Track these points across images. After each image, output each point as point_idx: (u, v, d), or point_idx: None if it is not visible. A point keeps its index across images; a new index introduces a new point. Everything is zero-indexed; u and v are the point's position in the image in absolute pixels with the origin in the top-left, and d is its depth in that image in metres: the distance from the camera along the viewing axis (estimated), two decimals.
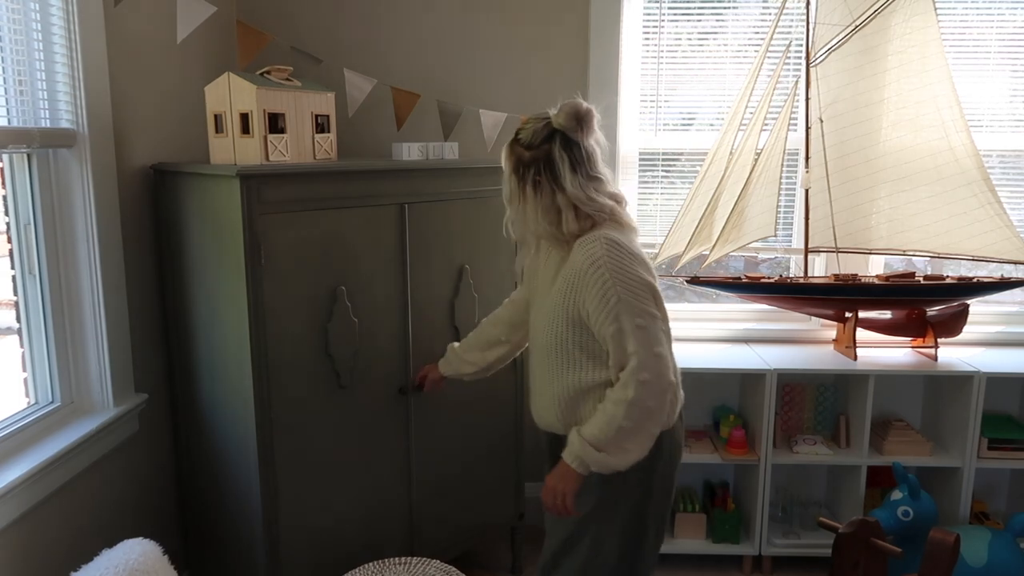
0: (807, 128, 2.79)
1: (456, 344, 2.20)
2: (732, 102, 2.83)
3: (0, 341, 2.06)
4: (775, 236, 2.86)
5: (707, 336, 3.09)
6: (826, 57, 2.76)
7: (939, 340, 2.82)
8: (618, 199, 1.76)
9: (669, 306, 3.21)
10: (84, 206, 2.02)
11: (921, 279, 2.81)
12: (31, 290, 2.00)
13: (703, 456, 2.81)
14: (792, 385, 2.98)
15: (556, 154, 1.69)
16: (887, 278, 2.83)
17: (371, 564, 2.17)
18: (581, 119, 1.70)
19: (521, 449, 2.78)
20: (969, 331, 2.90)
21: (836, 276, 2.84)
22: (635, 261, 1.65)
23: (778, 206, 2.81)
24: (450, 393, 2.38)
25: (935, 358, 2.80)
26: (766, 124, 2.79)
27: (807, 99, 2.78)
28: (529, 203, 1.73)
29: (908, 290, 2.79)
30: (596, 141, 1.75)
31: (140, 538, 1.77)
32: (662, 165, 3.06)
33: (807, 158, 2.81)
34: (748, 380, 2.92)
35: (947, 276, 2.86)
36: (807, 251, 2.86)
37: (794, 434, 2.92)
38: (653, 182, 3.06)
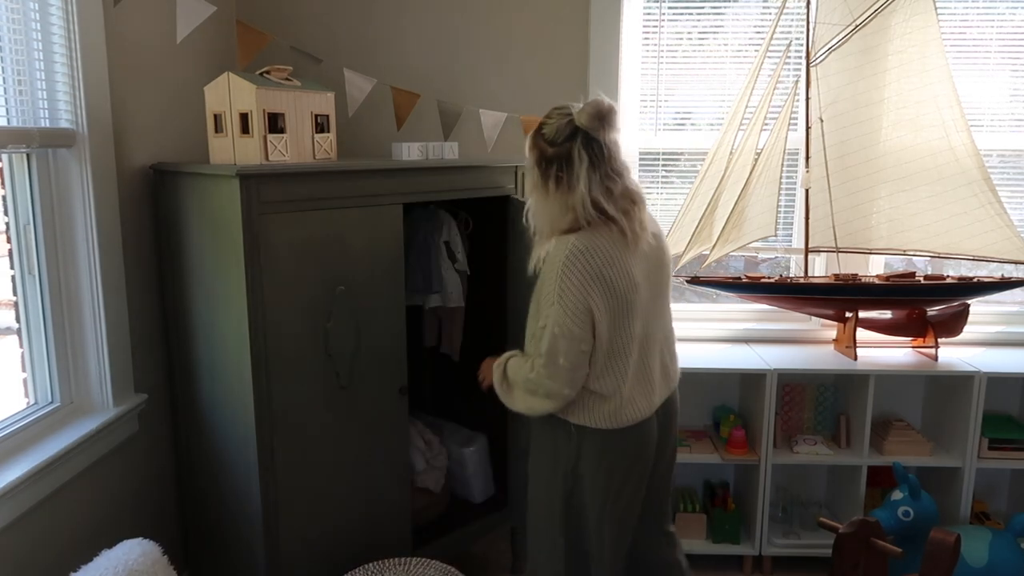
0: (807, 128, 2.79)
1: None
2: (732, 102, 2.83)
3: (0, 341, 2.06)
4: (775, 236, 2.86)
5: (707, 336, 3.09)
6: (826, 57, 2.76)
7: (939, 340, 2.82)
8: (634, 199, 1.81)
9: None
10: (84, 206, 2.02)
11: (921, 279, 2.81)
12: (31, 290, 2.00)
13: (703, 456, 2.81)
14: (792, 385, 2.98)
15: (576, 153, 1.74)
16: (887, 278, 2.83)
17: (371, 564, 2.17)
18: (603, 118, 1.74)
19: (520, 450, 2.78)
20: (969, 331, 2.89)
21: (836, 276, 2.83)
22: (587, 279, 1.70)
23: (778, 206, 2.80)
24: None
25: (935, 358, 2.79)
26: (766, 124, 2.78)
27: (807, 99, 2.78)
28: (550, 197, 1.78)
29: (908, 290, 2.79)
30: (617, 136, 1.80)
31: (140, 538, 1.77)
32: (662, 165, 3.06)
33: (807, 158, 2.81)
34: (748, 380, 2.92)
35: (947, 276, 2.86)
36: (807, 251, 2.86)
37: (794, 434, 2.92)
38: (653, 182, 3.06)
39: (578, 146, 1.74)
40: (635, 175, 3.03)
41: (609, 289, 1.72)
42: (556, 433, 1.86)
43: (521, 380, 1.81)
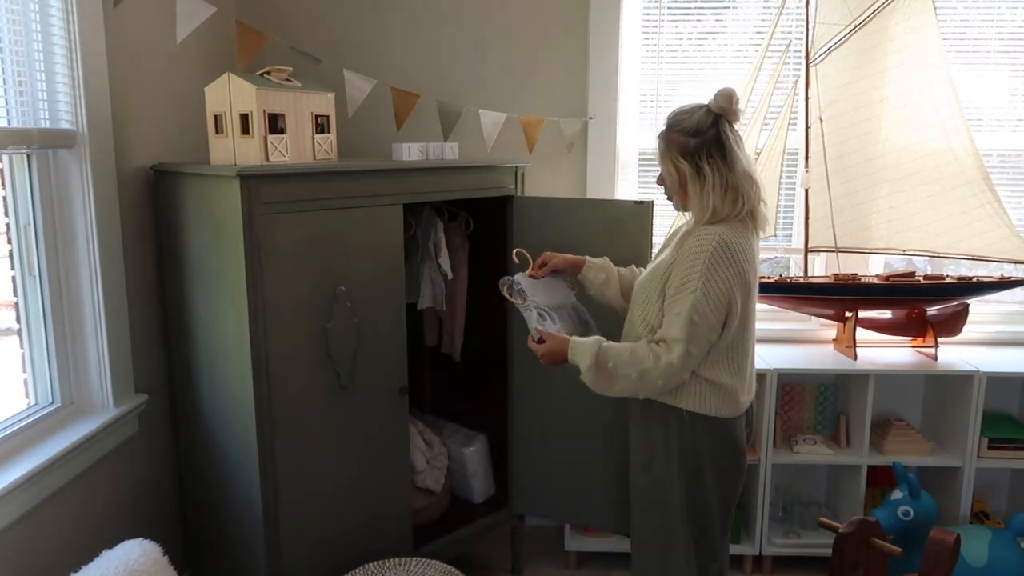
0: (807, 128, 2.79)
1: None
2: None
3: (0, 342, 2.06)
4: (775, 236, 2.86)
5: None
6: (826, 56, 2.76)
7: (939, 340, 2.82)
8: (759, 185, 1.85)
9: None
10: (84, 206, 2.02)
11: (921, 279, 2.81)
12: (31, 291, 2.00)
13: None
14: (792, 385, 2.98)
15: (726, 134, 1.81)
16: (887, 278, 2.83)
17: (371, 564, 2.17)
18: (736, 101, 1.81)
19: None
20: (969, 330, 2.89)
21: (836, 276, 2.83)
22: (733, 275, 1.74)
23: (778, 206, 2.81)
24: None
25: (935, 358, 2.80)
26: (766, 124, 2.79)
27: (807, 99, 2.78)
28: (708, 182, 1.80)
29: (908, 290, 2.79)
30: None
31: (140, 538, 1.77)
32: None
33: (807, 158, 2.81)
34: None
35: (947, 276, 2.86)
36: (807, 251, 2.86)
37: (794, 434, 2.92)
38: (653, 182, 3.05)
39: (726, 128, 1.81)
40: (635, 175, 3.04)
41: (747, 288, 1.79)
42: (667, 422, 1.86)
43: (637, 373, 1.78)
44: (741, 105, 1.89)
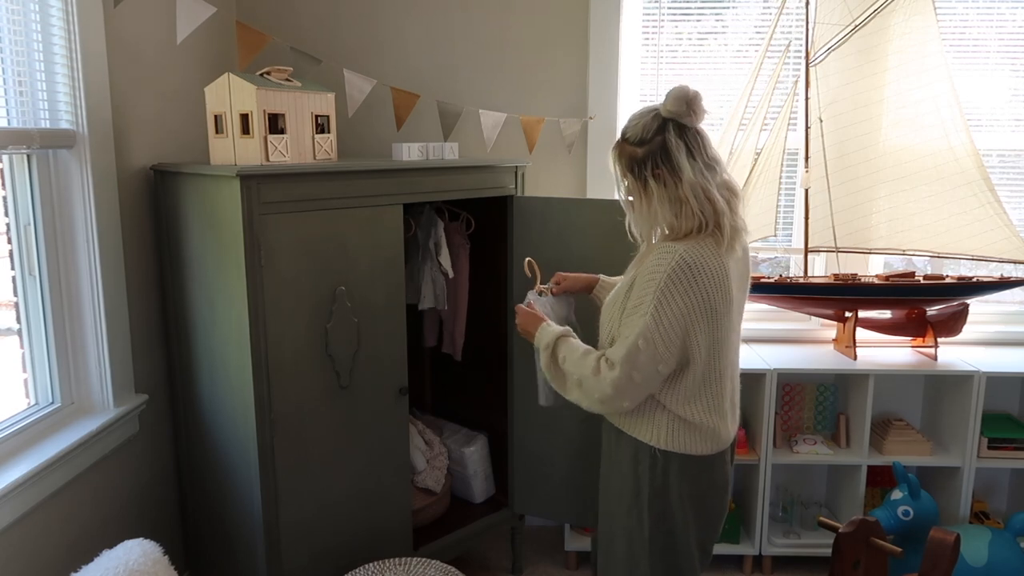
0: (807, 128, 2.79)
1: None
2: (732, 102, 2.83)
3: (0, 342, 2.06)
4: (775, 236, 2.86)
5: None
6: (826, 57, 2.76)
7: (939, 339, 2.82)
8: (733, 191, 1.70)
9: None
10: (84, 206, 2.02)
11: (921, 279, 2.81)
12: (31, 291, 2.01)
13: None
14: (792, 385, 2.98)
15: (671, 142, 1.64)
16: (887, 278, 2.83)
17: (371, 564, 2.17)
18: (690, 102, 1.64)
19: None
20: (969, 330, 2.90)
21: (836, 276, 2.84)
22: (690, 296, 1.60)
23: (778, 206, 2.81)
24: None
25: (935, 357, 2.80)
26: (766, 124, 2.79)
27: (807, 99, 2.78)
28: (654, 197, 1.67)
29: (908, 290, 2.79)
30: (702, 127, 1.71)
31: (140, 538, 1.77)
32: None
33: (807, 158, 2.81)
34: (748, 380, 2.91)
35: (947, 275, 2.86)
36: (807, 251, 2.86)
37: (794, 434, 2.92)
38: None
39: (672, 136, 1.64)
40: None
41: (712, 315, 1.63)
42: (637, 456, 1.73)
43: (579, 377, 1.70)
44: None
